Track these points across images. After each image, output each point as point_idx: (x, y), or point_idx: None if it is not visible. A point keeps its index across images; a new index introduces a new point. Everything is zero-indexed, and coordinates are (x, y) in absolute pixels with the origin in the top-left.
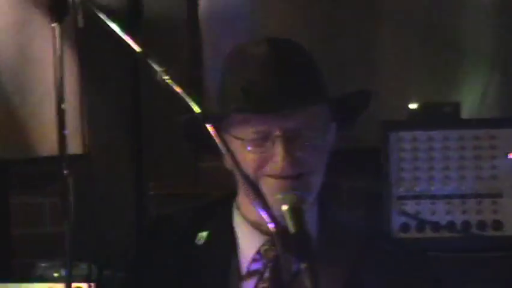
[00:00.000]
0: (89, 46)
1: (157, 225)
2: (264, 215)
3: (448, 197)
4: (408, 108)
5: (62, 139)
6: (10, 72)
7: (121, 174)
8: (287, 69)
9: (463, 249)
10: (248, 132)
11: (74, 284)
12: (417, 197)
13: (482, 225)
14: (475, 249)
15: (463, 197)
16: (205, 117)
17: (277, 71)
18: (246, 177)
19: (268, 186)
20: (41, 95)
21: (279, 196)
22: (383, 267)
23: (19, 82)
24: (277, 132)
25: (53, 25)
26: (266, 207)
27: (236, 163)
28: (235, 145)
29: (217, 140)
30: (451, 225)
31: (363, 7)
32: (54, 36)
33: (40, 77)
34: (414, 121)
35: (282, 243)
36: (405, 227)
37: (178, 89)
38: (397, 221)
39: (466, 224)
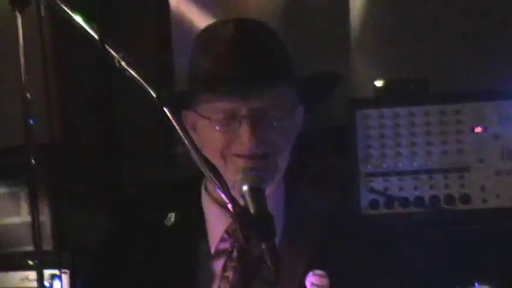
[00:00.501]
0: (59, 34)
1: (127, 206)
2: (223, 196)
3: (415, 172)
4: (374, 85)
5: (27, 129)
6: None
7: (93, 162)
8: (253, 50)
9: (432, 224)
10: (215, 111)
11: (48, 271)
12: (385, 173)
13: (450, 199)
14: (444, 224)
15: (430, 172)
16: (162, 100)
17: (242, 51)
18: (203, 158)
19: (234, 165)
20: (9, 85)
21: (239, 176)
22: (348, 246)
23: None
24: (244, 112)
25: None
26: (225, 188)
27: (192, 145)
28: (203, 124)
29: (173, 122)
30: (419, 201)
31: None
32: (16, 26)
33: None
34: (380, 98)
35: (242, 223)
36: (374, 204)
37: (135, 75)
38: (366, 198)
39: (434, 199)
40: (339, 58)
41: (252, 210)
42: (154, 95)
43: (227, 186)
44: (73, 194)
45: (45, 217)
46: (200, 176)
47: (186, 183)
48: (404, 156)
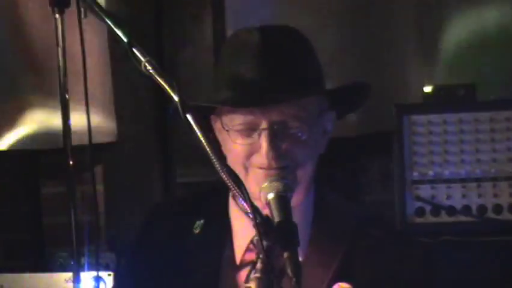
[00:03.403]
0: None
1: (156, 213)
2: (244, 205)
3: (463, 180)
4: (423, 91)
5: (66, 130)
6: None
7: (148, 163)
8: (276, 60)
9: (479, 233)
10: (235, 123)
11: (92, 273)
12: (432, 181)
13: (498, 208)
14: (491, 233)
15: (478, 180)
16: (185, 108)
17: (265, 62)
18: (225, 167)
19: (255, 176)
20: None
21: (266, 184)
22: (373, 254)
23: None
24: (264, 125)
25: (56, 17)
26: (246, 197)
27: (214, 153)
28: (224, 135)
29: (195, 130)
30: (466, 209)
31: None
32: (56, 28)
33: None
34: (428, 104)
35: (263, 232)
36: (420, 212)
37: (159, 80)
38: (412, 205)
39: (482, 208)
40: (385, 63)
41: (276, 219)
42: (177, 101)
43: (248, 195)
44: (126, 195)
45: (101, 218)
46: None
47: (215, 191)
48: (452, 164)
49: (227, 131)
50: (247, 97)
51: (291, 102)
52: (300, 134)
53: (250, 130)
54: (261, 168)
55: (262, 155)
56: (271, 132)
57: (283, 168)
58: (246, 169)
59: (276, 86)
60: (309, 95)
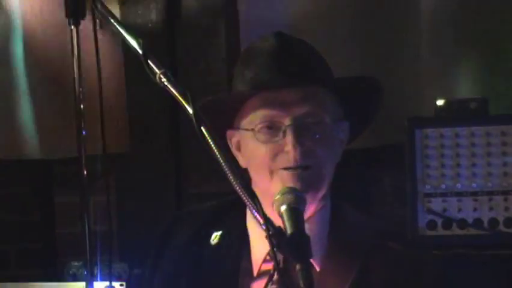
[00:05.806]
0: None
1: (173, 224)
2: (258, 217)
3: (474, 193)
4: (435, 104)
5: (81, 139)
6: (53, 71)
7: (160, 173)
8: (292, 56)
9: (490, 246)
10: (258, 122)
11: (104, 283)
12: (443, 194)
13: (509, 222)
14: (502, 246)
15: (490, 193)
16: (198, 120)
17: (282, 58)
18: (238, 178)
19: (281, 179)
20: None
21: (278, 196)
22: (391, 267)
23: (62, 82)
24: (287, 122)
25: (71, 28)
26: (259, 208)
27: (227, 165)
28: (248, 139)
29: (209, 141)
30: (478, 223)
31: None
32: (72, 39)
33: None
34: (440, 117)
35: (276, 244)
36: (431, 225)
37: (174, 91)
38: (423, 218)
39: (494, 221)
40: (397, 75)
41: (288, 231)
42: (192, 114)
43: (261, 206)
44: (139, 205)
45: (113, 228)
46: None
47: (233, 202)
48: (463, 177)
49: (252, 130)
50: (264, 83)
51: (311, 98)
52: (321, 134)
53: (273, 129)
54: (286, 168)
55: (288, 153)
56: (296, 129)
57: (306, 168)
58: (271, 172)
59: (295, 78)
60: (324, 82)
